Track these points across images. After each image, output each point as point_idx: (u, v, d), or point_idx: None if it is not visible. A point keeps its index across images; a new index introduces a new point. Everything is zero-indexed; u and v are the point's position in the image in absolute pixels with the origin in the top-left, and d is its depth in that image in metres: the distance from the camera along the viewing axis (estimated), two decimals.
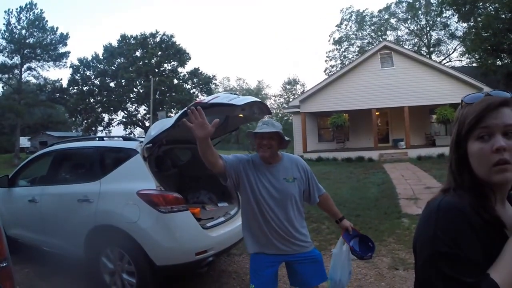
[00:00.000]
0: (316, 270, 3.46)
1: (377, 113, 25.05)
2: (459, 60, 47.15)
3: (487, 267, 1.17)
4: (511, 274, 1.14)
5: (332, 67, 54.69)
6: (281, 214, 3.32)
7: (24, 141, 49.78)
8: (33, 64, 46.18)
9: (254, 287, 3.36)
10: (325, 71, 56.45)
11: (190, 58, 52.89)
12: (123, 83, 48.63)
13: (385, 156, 22.13)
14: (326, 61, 77.79)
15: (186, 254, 4.52)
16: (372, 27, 54.34)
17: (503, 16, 23.87)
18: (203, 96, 49.92)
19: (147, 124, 48.76)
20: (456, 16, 32.41)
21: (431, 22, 49.31)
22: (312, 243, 3.52)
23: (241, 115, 4.73)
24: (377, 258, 5.98)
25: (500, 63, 24.63)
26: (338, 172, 16.87)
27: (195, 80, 52.87)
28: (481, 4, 26.47)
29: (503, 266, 1.15)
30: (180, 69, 52.97)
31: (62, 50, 47.25)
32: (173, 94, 49.80)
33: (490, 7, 25.41)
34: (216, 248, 4.78)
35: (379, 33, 53.33)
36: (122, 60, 49.62)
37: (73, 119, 52.57)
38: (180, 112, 4.44)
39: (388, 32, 53.62)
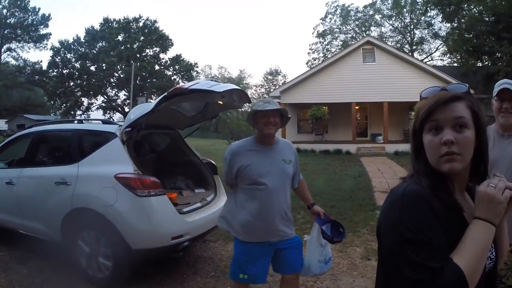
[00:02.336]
0: (299, 255, 3.58)
1: (357, 107, 25.21)
2: (441, 60, 47.72)
3: (449, 252, 1.24)
4: (473, 259, 1.21)
5: (315, 60, 54.85)
6: (281, 195, 3.44)
7: (1, 124, 48.93)
8: (13, 45, 45.55)
9: (247, 277, 3.38)
10: (307, 63, 56.73)
11: (172, 45, 52.63)
12: (104, 67, 48.11)
13: (362, 150, 22.32)
14: (309, 53, 78.19)
15: (162, 238, 4.56)
16: (357, 22, 54.59)
17: (486, 19, 24.21)
18: (184, 83, 49.59)
19: (126, 109, 48.31)
20: (440, 16, 32.78)
21: (415, 21, 49.79)
22: None
23: (220, 102, 4.78)
24: (350, 248, 6.12)
25: (480, 65, 25.00)
26: (316, 163, 16.94)
27: (176, 66, 52.58)
28: (465, 5, 26.78)
29: (466, 251, 1.23)
30: (162, 55, 52.77)
31: (43, 31, 46.73)
32: (154, 80, 49.52)
33: (474, 9, 25.71)
34: (192, 233, 4.84)
35: (363, 29, 53.62)
36: (103, 44, 49.06)
37: (52, 103, 51.89)
38: (160, 97, 4.45)
39: (372, 28, 54.03)
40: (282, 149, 3.56)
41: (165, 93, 4.40)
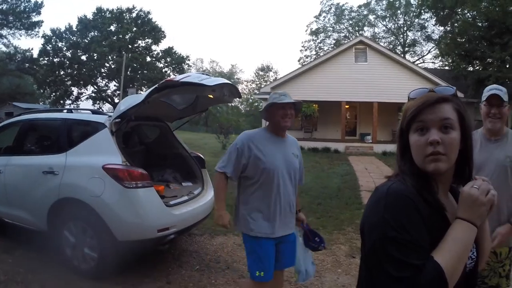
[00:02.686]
0: (294, 251, 3.59)
1: (347, 106, 25.31)
2: (432, 62, 47.96)
3: (432, 250, 1.26)
4: (453, 258, 1.23)
5: (307, 57, 54.87)
6: (290, 187, 3.47)
7: None
8: (4, 32, 44.78)
9: (263, 274, 3.34)
10: (299, 60, 56.74)
11: (165, 37, 52.38)
12: (95, 57, 47.76)
13: (351, 149, 22.45)
14: (301, 50, 78.19)
15: (148, 230, 4.57)
16: (350, 22, 54.64)
17: (479, 24, 24.35)
18: (175, 75, 49.33)
19: (116, 100, 48.06)
20: (434, 19, 32.91)
21: (408, 23, 49.89)
22: None
23: (211, 96, 4.80)
24: (335, 246, 6.17)
25: (471, 69, 25.13)
26: (304, 161, 16.81)
27: (168, 59, 52.33)
28: (459, 10, 26.91)
29: (446, 250, 1.24)
30: (154, 47, 52.41)
31: (35, 18, 45.93)
32: (145, 71, 49.23)
33: (468, 14, 25.85)
34: (178, 226, 4.86)
35: (357, 28, 53.67)
36: (96, 34, 48.67)
37: (42, 91, 51.39)
38: (151, 89, 4.46)
39: (366, 28, 54.10)
40: (290, 143, 3.64)
41: (156, 85, 4.41)
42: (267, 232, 3.37)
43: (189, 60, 55.03)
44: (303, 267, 3.58)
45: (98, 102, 52.15)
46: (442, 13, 27.92)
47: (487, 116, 3.23)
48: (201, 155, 6.34)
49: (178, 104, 5.74)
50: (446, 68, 29.93)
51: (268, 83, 36.48)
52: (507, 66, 22.08)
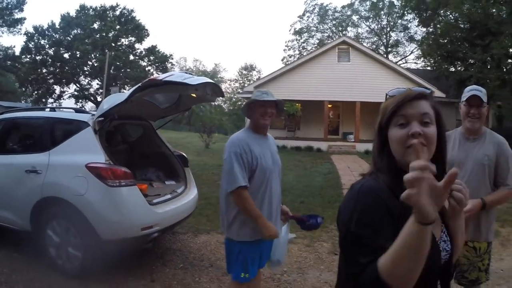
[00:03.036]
0: (270, 248, 3.57)
1: (330, 106, 25.44)
2: (415, 63, 48.28)
3: None
4: (397, 257, 1.19)
5: (290, 57, 54.80)
6: (278, 184, 3.51)
7: None
8: None
9: (249, 275, 3.37)
10: (283, 60, 56.66)
11: (148, 35, 51.87)
12: (78, 55, 47.21)
13: (333, 148, 22.61)
14: (284, 50, 78.34)
15: (132, 229, 4.59)
16: (334, 22, 54.71)
17: (462, 25, 24.65)
18: (158, 74, 49.08)
19: (99, 99, 47.46)
20: (417, 20, 33.21)
21: (392, 23, 50.14)
22: None
23: (194, 95, 4.82)
24: (317, 243, 6.25)
25: (453, 70, 25.44)
26: (287, 159, 17.04)
27: (151, 57, 51.90)
28: (442, 11, 27.18)
29: (391, 251, 1.21)
30: (137, 45, 51.84)
31: (17, 15, 45.42)
32: (128, 70, 48.78)
33: (450, 16, 26.12)
34: (162, 224, 4.88)
35: (340, 28, 53.83)
36: (78, 31, 48.07)
37: (23, 89, 50.69)
38: (134, 87, 4.48)
39: (349, 28, 54.16)
40: (271, 141, 3.66)
41: (140, 84, 4.42)
42: (259, 234, 3.33)
43: (172, 58, 54.70)
44: (276, 256, 3.59)
45: (80, 100, 51.54)
46: (425, 15, 28.16)
47: (467, 116, 3.35)
48: (184, 154, 6.36)
49: (161, 103, 5.76)
50: (428, 68, 30.24)
51: (252, 82, 36.49)
52: (488, 67, 22.37)
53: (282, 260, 3.66)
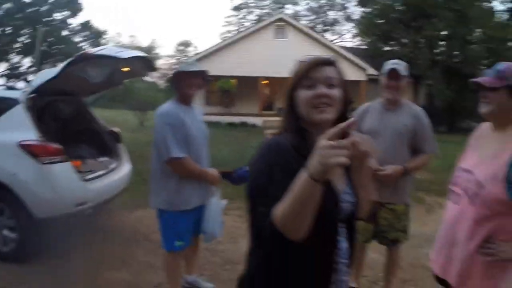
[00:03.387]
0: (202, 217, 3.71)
1: (265, 82, 25.68)
2: (351, 41, 49.09)
3: None
4: (289, 206, 1.31)
5: (229, 33, 54.46)
6: (205, 152, 3.68)
7: None
8: None
9: (183, 244, 3.59)
10: (221, 35, 56.31)
11: (82, 9, 49.93)
12: (7, 32, 44.75)
13: (268, 123, 22.88)
14: (223, 26, 77.37)
15: (66, 206, 4.58)
16: None
17: (398, 7, 25.45)
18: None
19: (31, 77, 45.47)
20: (356, 0, 33.86)
21: (330, 2, 50.60)
22: None
23: (126, 69, 4.81)
24: None
25: (387, 49, 26.28)
26: (222, 135, 17.10)
27: (85, 33, 50.18)
28: None
29: (284, 202, 1.33)
30: (70, 20, 49.82)
31: None
32: (61, 46, 46.87)
33: None
34: (95, 200, 4.91)
35: (279, 5, 53.81)
36: (9, 6, 45.52)
37: None
38: (66, 62, 4.42)
39: (288, 6, 54.24)
40: (197, 111, 3.76)
41: (71, 58, 4.38)
42: (191, 203, 3.54)
43: (107, 34, 53.18)
44: (210, 228, 3.68)
45: (12, 80, 49.04)
46: None
47: (386, 88, 3.61)
48: (116, 130, 6.34)
49: (94, 78, 5.68)
50: (363, 47, 30.98)
51: (188, 58, 36.07)
52: (420, 48, 23.36)
53: (217, 233, 3.77)
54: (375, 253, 4.44)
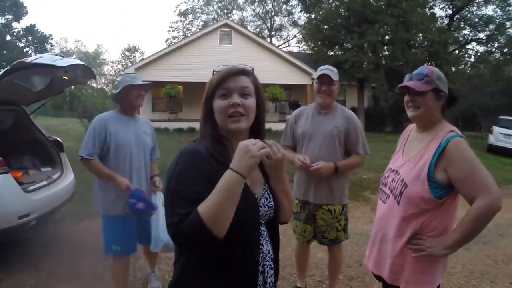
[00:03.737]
0: (149, 224, 3.88)
1: None
2: (297, 47, 49.47)
3: None
4: (215, 205, 1.43)
5: (174, 38, 53.93)
6: (141, 161, 3.87)
7: None
8: None
9: (120, 248, 3.70)
10: (166, 41, 55.62)
11: (27, 13, 48.43)
12: None
13: None
14: (169, 31, 76.72)
15: (9, 218, 4.45)
16: (219, 4, 54.46)
17: (342, 13, 25.99)
18: (33, 55, 45.90)
19: None
20: (300, 6, 34.27)
21: (276, 8, 50.87)
22: None
23: (65, 78, 4.74)
24: None
25: (332, 53, 26.80)
26: (169, 142, 16.90)
27: (30, 38, 48.68)
28: None
29: (210, 199, 1.45)
30: (14, 24, 48.26)
31: None
32: (4, 52, 45.29)
33: (333, 4, 27.32)
34: (39, 211, 4.78)
35: (225, 11, 53.78)
36: None
37: None
38: (2, 71, 4.31)
39: (234, 11, 54.21)
40: (142, 123, 4.00)
41: (8, 67, 4.28)
42: (118, 209, 3.70)
43: (52, 39, 51.78)
44: (163, 237, 3.68)
45: None
46: (308, 1, 29.16)
47: (318, 92, 3.74)
48: (59, 139, 6.21)
49: (33, 86, 5.56)
50: (308, 52, 31.45)
51: (134, 63, 35.47)
52: (364, 52, 24.02)
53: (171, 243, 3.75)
54: (321, 252, 4.52)
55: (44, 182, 5.23)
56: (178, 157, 1.59)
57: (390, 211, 2.44)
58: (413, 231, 2.33)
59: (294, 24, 49.39)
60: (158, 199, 3.91)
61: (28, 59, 4.24)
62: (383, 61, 24.77)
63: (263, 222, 1.72)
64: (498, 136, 19.47)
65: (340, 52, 26.15)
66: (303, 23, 41.87)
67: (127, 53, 72.58)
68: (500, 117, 21.06)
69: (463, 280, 4.92)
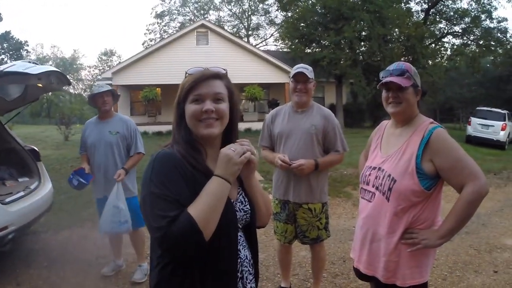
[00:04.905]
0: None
1: None
2: (275, 45, 49.54)
3: None
4: (205, 209, 1.45)
5: (151, 41, 53.53)
6: (101, 157, 4.51)
7: None
8: None
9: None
10: (143, 44, 55.26)
11: (1, 19, 47.69)
12: None
13: None
14: (145, 34, 76.46)
15: None
16: (196, 5, 54.27)
17: (318, 10, 26.12)
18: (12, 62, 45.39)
19: None
20: (277, 5, 34.34)
21: (253, 7, 50.81)
22: None
23: (40, 85, 4.70)
24: None
25: (309, 51, 26.91)
26: (148, 145, 16.84)
27: (5, 45, 48.05)
28: None
29: (199, 202, 1.47)
30: None
31: None
32: None
33: (309, 1, 27.47)
34: (17, 223, 4.65)
35: (202, 12, 53.60)
36: None
37: None
38: None
39: (211, 12, 53.99)
40: (114, 123, 4.55)
41: None
42: (98, 193, 4.62)
43: (28, 45, 51.22)
44: (101, 220, 4.50)
45: None
46: (284, 0, 29.23)
47: (294, 91, 3.73)
48: (36, 148, 6.08)
49: (8, 95, 5.45)
50: (286, 50, 31.52)
51: (111, 68, 35.17)
52: (341, 48, 24.19)
53: (104, 228, 4.44)
54: (304, 251, 4.50)
55: (22, 193, 5.08)
56: (152, 162, 1.56)
57: (378, 208, 2.43)
58: (405, 226, 2.34)
59: (271, 22, 49.37)
60: (116, 189, 4.39)
61: (0, 68, 4.15)
62: (360, 57, 24.97)
63: (240, 226, 1.71)
64: (477, 126, 19.94)
65: (317, 50, 26.32)
66: (280, 21, 42.06)
67: (104, 57, 72.02)
68: (478, 108, 21.50)
69: (447, 271, 4.96)
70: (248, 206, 1.73)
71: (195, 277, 1.54)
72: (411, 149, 2.33)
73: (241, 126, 22.10)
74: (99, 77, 55.76)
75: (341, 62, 23.55)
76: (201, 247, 1.45)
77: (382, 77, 2.46)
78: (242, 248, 1.71)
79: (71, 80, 5.05)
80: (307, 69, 3.68)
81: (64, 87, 5.67)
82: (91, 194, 4.95)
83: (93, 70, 71.85)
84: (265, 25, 51.57)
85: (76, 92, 55.64)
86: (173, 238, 1.40)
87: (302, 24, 26.64)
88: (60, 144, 17.39)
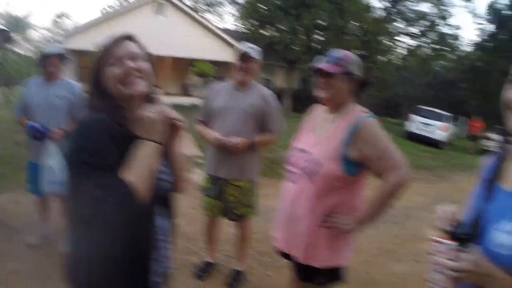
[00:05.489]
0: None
1: None
2: (235, 25, 49.17)
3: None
4: (139, 172, 1.47)
5: (110, 7, 52.12)
6: (52, 120, 4.28)
7: None
8: None
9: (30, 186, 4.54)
10: (101, 10, 53.72)
11: None
12: None
13: None
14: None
15: None
16: None
17: None
18: None
19: None
20: None
21: None
22: None
23: None
24: None
25: (266, 34, 26.89)
26: None
27: None
28: None
29: (133, 166, 1.47)
30: None
31: None
32: None
33: None
34: None
35: None
36: None
37: None
38: None
39: None
40: (61, 86, 4.43)
41: None
42: (33, 156, 4.42)
43: None
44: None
45: None
46: None
47: (237, 70, 3.77)
48: None
49: None
50: (245, 31, 31.38)
51: (65, 32, 33.93)
52: (298, 34, 24.37)
53: (46, 189, 4.32)
54: (233, 228, 4.54)
55: None
56: (79, 128, 1.54)
57: (301, 190, 2.48)
58: (326, 209, 2.41)
59: (233, 1, 48.94)
60: (50, 149, 4.24)
61: None
62: (316, 45, 25.12)
63: (162, 196, 1.71)
64: (419, 125, 20.99)
65: (274, 33, 26.33)
66: (242, 1, 41.74)
67: (58, 20, 69.49)
68: (418, 106, 22.37)
69: (370, 257, 5.16)
70: (170, 176, 1.76)
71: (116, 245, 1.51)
72: (339, 135, 2.39)
73: (187, 100, 21.94)
74: (50, 39, 53.83)
75: (296, 48, 23.75)
76: (141, 212, 1.47)
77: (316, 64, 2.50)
78: (159, 217, 1.71)
79: (16, 39, 5.05)
80: (253, 49, 3.74)
81: (6, 45, 5.38)
82: (25, 159, 4.71)
83: (45, 32, 69.39)
84: (226, 3, 51.05)
85: (24, 53, 53.46)
86: (110, 206, 1.38)
87: (262, 6, 26.56)
88: (1, 106, 16.71)
